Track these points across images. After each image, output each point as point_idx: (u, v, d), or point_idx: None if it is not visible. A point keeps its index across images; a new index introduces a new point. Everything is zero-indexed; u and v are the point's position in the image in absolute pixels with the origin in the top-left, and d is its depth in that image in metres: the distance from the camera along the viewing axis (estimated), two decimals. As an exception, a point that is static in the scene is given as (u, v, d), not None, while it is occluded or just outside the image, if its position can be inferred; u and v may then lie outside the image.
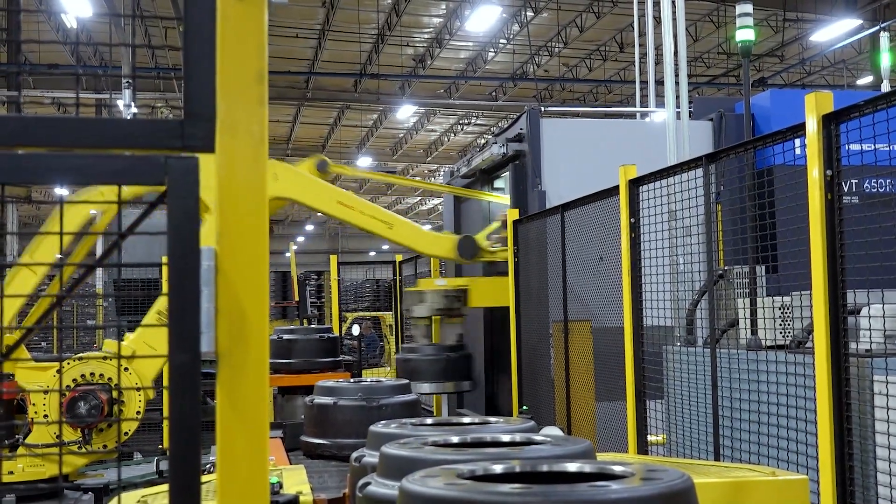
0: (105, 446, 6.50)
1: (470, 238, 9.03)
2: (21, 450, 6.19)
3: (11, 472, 6.23)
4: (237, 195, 1.54)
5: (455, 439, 2.94)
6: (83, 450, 6.35)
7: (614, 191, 6.85)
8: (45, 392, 6.32)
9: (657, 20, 11.61)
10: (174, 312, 1.50)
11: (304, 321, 15.31)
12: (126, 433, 6.72)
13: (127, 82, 17.36)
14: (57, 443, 6.34)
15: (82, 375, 6.41)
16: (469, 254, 9.01)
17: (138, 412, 6.66)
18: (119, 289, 13.07)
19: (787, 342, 5.72)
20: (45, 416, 6.31)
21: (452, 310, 7.99)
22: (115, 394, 6.43)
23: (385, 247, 53.54)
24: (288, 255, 9.84)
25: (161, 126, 1.54)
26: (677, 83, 9.53)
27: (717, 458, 5.55)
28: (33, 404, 6.29)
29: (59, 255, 6.04)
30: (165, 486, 3.72)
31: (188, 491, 1.48)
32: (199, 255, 1.51)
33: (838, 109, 4.34)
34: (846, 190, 4.59)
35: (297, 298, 14.79)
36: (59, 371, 6.44)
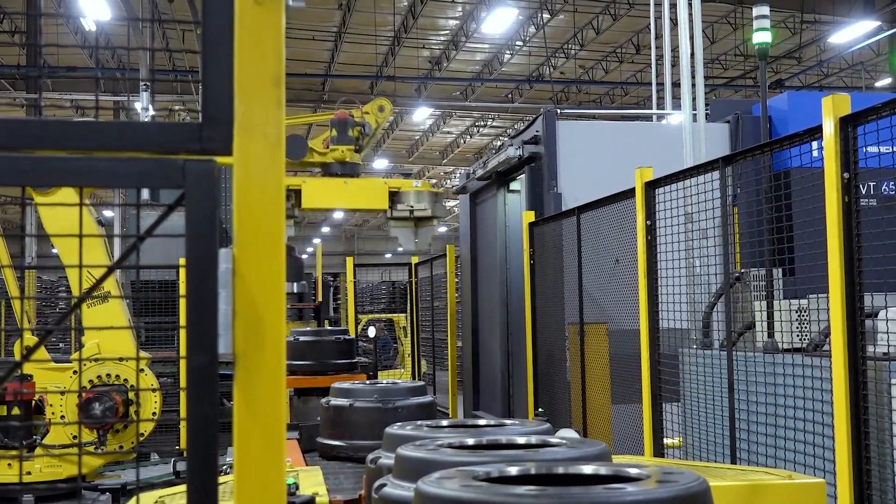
0: (121, 447, 6.54)
1: (297, 136, 8.52)
2: (39, 450, 6.24)
3: (29, 473, 6.27)
4: (254, 198, 1.55)
5: (471, 441, 2.94)
6: (99, 450, 6.39)
7: (630, 193, 6.84)
8: (62, 393, 6.37)
9: (674, 22, 11.58)
10: (192, 314, 1.52)
11: (326, 322, 15.40)
12: (142, 434, 6.77)
13: (145, 85, 17.44)
14: (73, 443, 6.39)
15: (98, 377, 6.46)
16: (296, 154, 8.33)
17: (154, 413, 6.70)
18: (137, 291, 13.12)
19: (804, 345, 5.70)
20: (63, 416, 6.36)
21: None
22: (130, 395, 6.48)
23: (400, 249, 53.63)
24: (304, 256, 9.83)
25: (179, 129, 1.56)
26: (694, 85, 9.51)
27: (733, 462, 5.53)
28: (51, 405, 6.34)
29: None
30: (182, 487, 3.74)
31: (206, 491, 1.50)
32: (217, 258, 1.53)
33: (856, 112, 4.32)
34: (863, 192, 4.57)
35: (320, 299, 14.79)
36: (76, 372, 6.48)
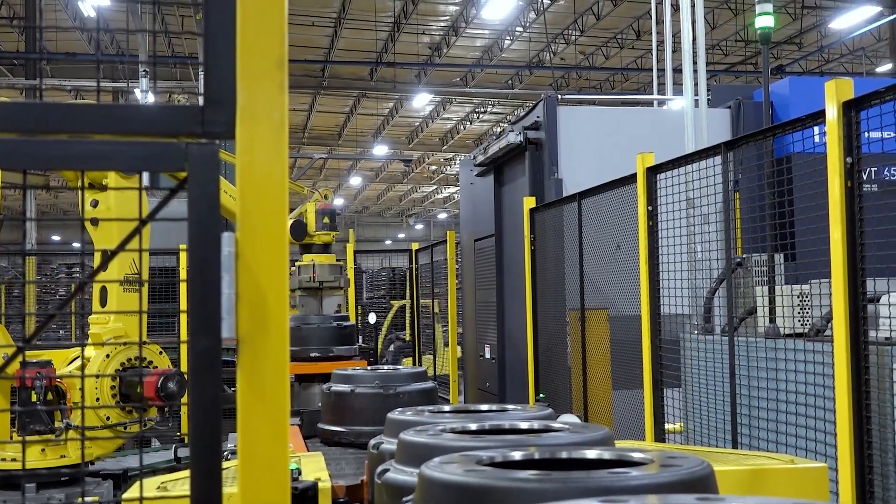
0: (144, 427, 6.69)
1: (301, 222, 10.21)
2: (71, 433, 6.31)
3: (64, 456, 6.37)
4: (257, 182, 1.55)
5: (473, 426, 2.94)
6: (132, 429, 6.51)
7: (632, 178, 6.83)
8: (97, 377, 6.49)
9: (675, 7, 11.54)
10: (195, 299, 1.51)
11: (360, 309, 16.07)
12: (152, 418, 6.92)
13: (144, 70, 17.39)
14: (83, 426, 6.44)
15: (129, 360, 6.59)
16: (299, 236, 10.14)
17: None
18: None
19: (806, 330, 5.69)
20: (97, 399, 6.45)
21: None
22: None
23: (401, 235, 53.64)
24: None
25: (182, 112, 1.55)
26: (695, 70, 9.48)
27: (734, 447, 5.54)
28: (80, 389, 6.43)
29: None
30: (184, 473, 3.73)
31: (210, 475, 1.49)
32: (220, 242, 1.52)
33: (859, 96, 4.31)
34: (864, 178, 4.55)
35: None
36: (108, 356, 6.57)
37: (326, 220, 10.38)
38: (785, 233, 5.41)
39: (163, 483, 3.45)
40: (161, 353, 6.89)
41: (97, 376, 6.47)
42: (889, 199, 5.66)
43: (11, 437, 6.35)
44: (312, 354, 9.58)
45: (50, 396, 6.24)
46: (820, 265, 4.78)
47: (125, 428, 6.50)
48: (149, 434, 9.66)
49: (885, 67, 25.71)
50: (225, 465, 2.18)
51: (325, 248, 10.45)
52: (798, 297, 5.83)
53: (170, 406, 6.43)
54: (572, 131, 10.05)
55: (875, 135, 4.44)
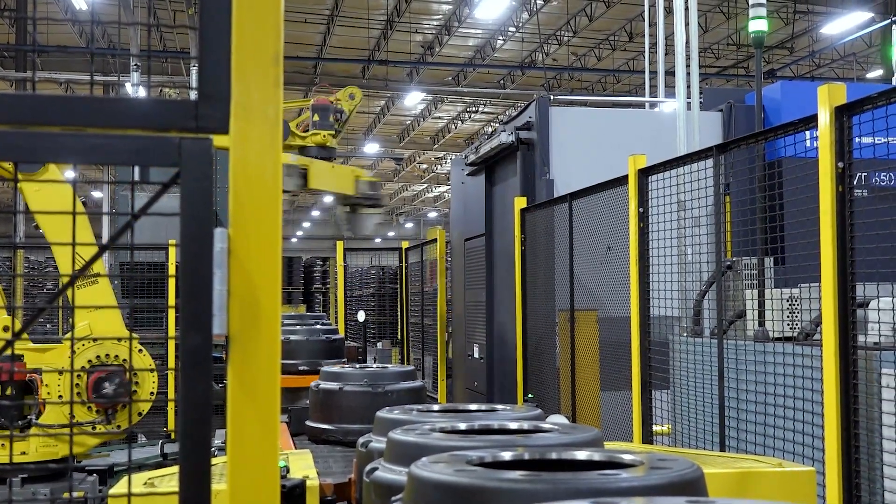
0: (119, 427, 6.53)
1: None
2: (35, 430, 6.21)
3: (24, 453, 6.25)
4: (251, 178, 1.54)
5: (462, 426, 2.93)
6: (100, 429, 6.36)
7: (623, 180, 6.83)
8: (60, 372, 6.33)
9: (668, 10, 11.55)
10: (187, 295, 1.50)
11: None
12: (140, 413, 6.76)
13: (135, 64, 17.34)
14: (73, 423, 6.36)
15: (97, 357, 6.43)
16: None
17: (152, 393, 6.69)
18: (126, 272, 13.07)
19: (795, 334, 5.71)
20: (60, 396, 6.33)
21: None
22: (127, 375, 6.44)
23: (391, 234, 53.61)
24: (294, 240, 9.98)
25: (175, 107, 1.53)
26: (688, 73, 9.49)
27: (722, 449, 5.55)
28: (46, 385, 6.31)
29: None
30: (171, 469, 3.69)
31: (198, 472, 1.48)
32: (212, 238, 1.51)
33: (851, 101, 4.32)
34: (855, 183, 4.57)
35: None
36: (74, 352, 6.46)
37: (317, 117, 8.83)
38: (775, 236, 5.42)
39: (150, 479, 3.43)
40: (141, 350, 6.73)
41: (60, 372, 6.31)
42: (879, 205, 5.67)
43: None
44: (301, 368, 9.39)
45: (10, 392, 6.14)
46: (810, 269, 4.79)
47: (93, 427, 6.35)
48: (136, 430, 9.61)
49: (876, 73, 25.80)
50: (213, 460, 2.17)
51: (323, 150, 8.95)
52: (787, 300, 5.85)
53: (107, 406, 6.22)
54: (564, 132, 10.05)
55: (867, 140, 4.45)
